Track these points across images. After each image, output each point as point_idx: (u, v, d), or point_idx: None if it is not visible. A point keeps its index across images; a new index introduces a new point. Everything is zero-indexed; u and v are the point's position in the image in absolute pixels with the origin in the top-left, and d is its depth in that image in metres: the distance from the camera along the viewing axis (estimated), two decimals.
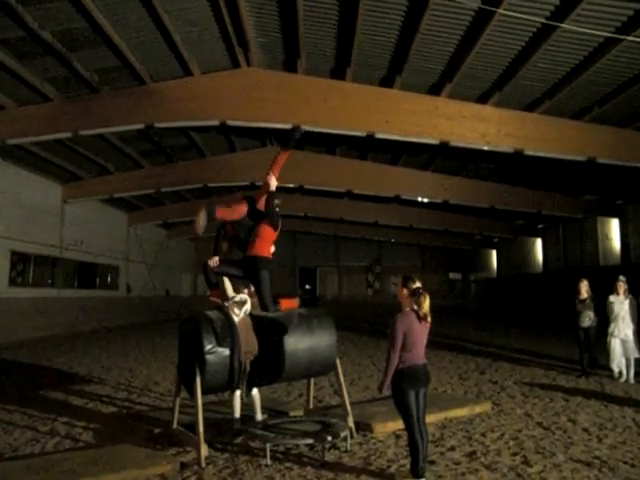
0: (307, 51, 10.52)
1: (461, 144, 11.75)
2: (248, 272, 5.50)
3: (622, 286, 8.87)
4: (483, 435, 5.61)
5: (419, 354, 4.36)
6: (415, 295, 4.35)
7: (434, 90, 11.28)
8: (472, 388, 8.23)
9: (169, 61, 10.76)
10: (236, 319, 5.28)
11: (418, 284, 4.43)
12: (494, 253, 32.16)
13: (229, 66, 11.38)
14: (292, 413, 6.19)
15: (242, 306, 5.38)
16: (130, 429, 5.96)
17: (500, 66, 10.07)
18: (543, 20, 8.11)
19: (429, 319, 4.37)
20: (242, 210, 5.51)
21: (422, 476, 4.23)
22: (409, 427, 4.29)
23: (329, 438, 4.92)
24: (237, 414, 5.67)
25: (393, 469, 4.61)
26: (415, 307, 4.34)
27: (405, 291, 4.42)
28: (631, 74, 9.68)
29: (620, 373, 8.71)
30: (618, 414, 6.48)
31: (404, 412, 4.32)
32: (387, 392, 4.43)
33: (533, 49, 9.08)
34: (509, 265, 30.02)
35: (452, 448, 5.17)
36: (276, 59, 11.17)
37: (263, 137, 16.11)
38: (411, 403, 4.28)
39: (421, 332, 4.35)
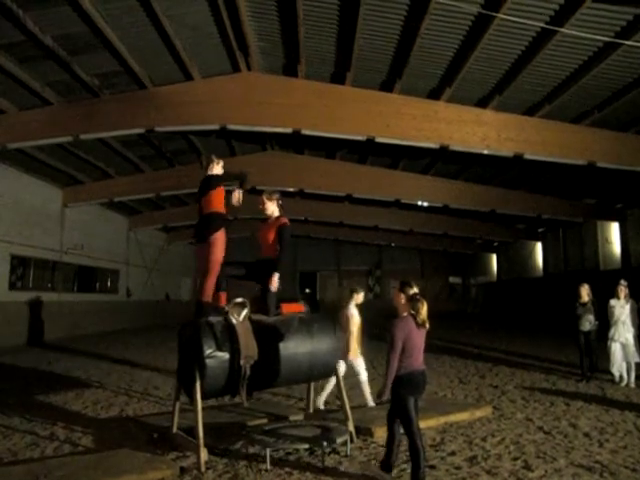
0: (307, 55, 10.54)
1: (461, 148, 11.76)
2: (259, 274, 5.51)
3: (623, 290, 8.88)
4: (484, 439, 5.59)
5: (418, 360, 4.35)
6: (412, 301, 4.35)
7: (434, 94, 11.30)
8: (472, 392, 8.22)
9: (170, 65, 10.77)
10: (236, 323, 5.27)
11: (415, 289, 4.44)
12: (494, 257, 32.14)
13: (229, 70, 11.40)
14: (292, 417, 6.18)
15: (242, 310, 5.37)
16: (130, 433, 5.95)
17: (500, 70, 10.09)
18: (543, 25, 8.13)
19: (427, 325, 4.37)
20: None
21: None
22: (410, 433, 4.27)
23: (329, 443, 4.91)
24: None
25: (393, 474, 4.60)
26: (412, 312, 4.34)
27: (402, 296, 4.42)
28: (630, 78, 9.70)
29: (621, 377, 8.70)
30: (619, 418, 6.47)
31: (405, 418, 4.30)
32: (385, 398, 4.42)
33: (533, 53, 9.10)
34: (509, 269, 30.00)
35: (453, 453, 5.16)
36: (276, 63, 11.19)
37: (263, 141, 16.14)
38: (411, 409, 4.26)
39: (419, 337, 4.35)
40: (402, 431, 4.44)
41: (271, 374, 5.35)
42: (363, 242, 31.80)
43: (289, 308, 5.77)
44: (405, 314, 4.37)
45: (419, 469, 4.20)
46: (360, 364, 6.90)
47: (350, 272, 36.59)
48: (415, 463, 4.24)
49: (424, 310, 4.32)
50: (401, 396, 4.27)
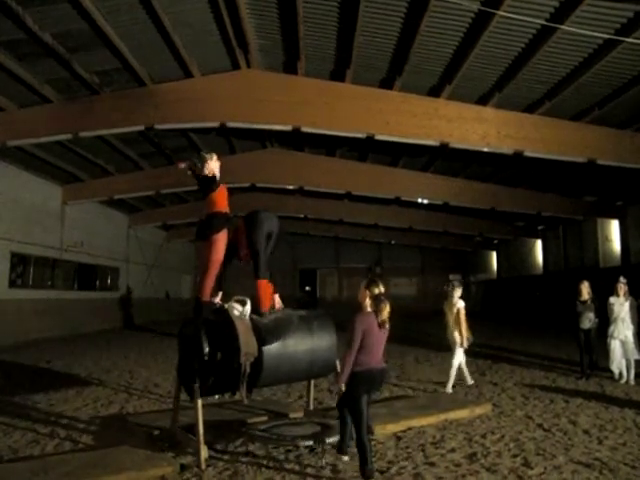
0: (307, 53, 10.52)
1: (461, 146, 11.74)
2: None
3: (622, 288, 8.88)
4: (483, 437, 5.60)
5: (376, 357, 4.42)
6: (376, 300, 4.44)
7: (434, 92, 11.28)
8: (472, 390, 8.23)
9: (169, 63, 10.75)
10: (235, 321, 5.26)
11: (381, 289, 4.52)
12: (494, 254, 32.13)
13: (229, 68, 11.38)
14: (292, 415, 6.18)
15: (241, 307, 5.37)
16: (130, 431, 5.95)
17: (500, 67, 10.07)
18: (543, 22, 8.11)
19: (387, 326, 4.45)
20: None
21: (371, 476, 4.30)
22: (359, 429, 4.35)
23: (329, 440, 4.92)
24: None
25: (394, 470, 4.61)
26: (376, 310, 4.43)
27: (367, 294, 4.50)
28: (630, 75, 9.68)
29: (620, 374, 8.71)
30: (618, 415, 6.49)
31: (357, 414, 4.38)
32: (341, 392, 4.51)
33: (533, 51, 9.08)
34: (509, 266, 30.00)
35: (452, 450, 5.17)
36: (276, 61, 11.17)
37: (263, 139, 16.12)
38: (364, 406, 4.34)
39: (380, 336, 4.43)
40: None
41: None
42: (363, 240, 31.77)
43: (264, 287, 5.51)
44: (369, 309, 4.45)
45: (366, 464, 4.26)
46: (460, 351, 8.23)
47: (350, 270, 36.58)
48: (362, 457, 4.30)
49: (386, 311, 4.41)
50: (354, 392, 4.35)
